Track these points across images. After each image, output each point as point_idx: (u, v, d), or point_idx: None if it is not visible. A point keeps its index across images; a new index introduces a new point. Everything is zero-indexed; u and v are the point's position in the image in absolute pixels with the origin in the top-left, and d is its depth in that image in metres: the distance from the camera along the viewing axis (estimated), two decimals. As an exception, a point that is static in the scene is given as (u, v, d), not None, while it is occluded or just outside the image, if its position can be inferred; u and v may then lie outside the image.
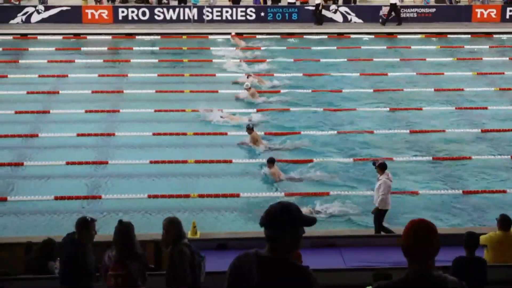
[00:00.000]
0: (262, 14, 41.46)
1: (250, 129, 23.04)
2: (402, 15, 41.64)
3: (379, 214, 17.07)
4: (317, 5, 41.09)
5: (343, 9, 41.99)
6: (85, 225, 9.94)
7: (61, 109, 26.84)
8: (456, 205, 19.80)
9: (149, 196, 19.65)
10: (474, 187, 20.87)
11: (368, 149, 23.60)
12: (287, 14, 41.46)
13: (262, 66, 32.85)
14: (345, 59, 34.54)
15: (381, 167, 17.24)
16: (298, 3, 42.27)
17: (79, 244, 9.86)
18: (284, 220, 5.37)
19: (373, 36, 39.40)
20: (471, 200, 20.16)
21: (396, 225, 17.42)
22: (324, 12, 41.52)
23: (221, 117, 25.59)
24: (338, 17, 41.76)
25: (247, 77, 29.47)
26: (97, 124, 25.38)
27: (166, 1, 42.80)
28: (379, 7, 42.18)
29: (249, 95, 27.98)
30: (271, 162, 20.66)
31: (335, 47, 37.14)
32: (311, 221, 5.50)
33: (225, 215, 18.95)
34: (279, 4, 42.74)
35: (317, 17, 41.10)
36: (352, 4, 43.17)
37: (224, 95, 28.75)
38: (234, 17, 41.28)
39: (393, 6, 41.14)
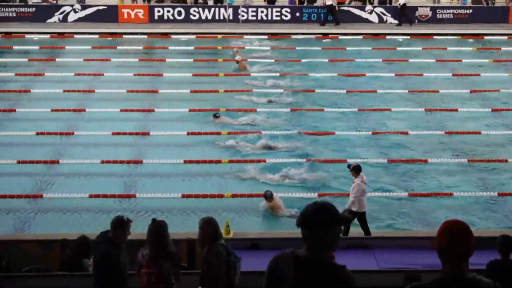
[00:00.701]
0: (297, 14, 41.44)
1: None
2: (439, 16, 41.50)
3: (360, 217, 17.00)
4: (330, 6, 41.07)
5: (379, 9, 41.84)
6: (121, 225, 10.00)
7: (96, 107, 27.03)
8: (491, 207, 19.63)
9: (183, 196, 19.71)
10: (510, 190, 20.66)
11: (402, 150, 23.46)
12: (322, 15, 41.36)
13: (298, 67, 32.83)
14: (380, 60, 34.43)
15: (356, 170, 17.29)
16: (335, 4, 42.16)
17: (113, 243, 9.92)
18: (320, 220, 5.37)
19: (408, 37, 39.22)
20: (507, 203, 19.97)
21: (430, 227, 17.33)
22: (359, 12, 41.45)
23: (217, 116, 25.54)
24: (373, 18, 41.62)
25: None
26: (132, 123, 25.51)
27: (202, 1, 42.90)
28: (415, 8, 41.97)
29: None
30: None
31: (370, 48, 37.01)
32: (347, 220, 5.51)
33: (258, 215, 18.94)
34: (315, 4, 42.65)
35: (333, 18, 41.16)
36: (388, 5, 42.97)
37: (258, 95, 28.75)
38: (269, 17, 41.31)
39: (403, 6, 40.98)
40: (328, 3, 41.13)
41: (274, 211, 18.82)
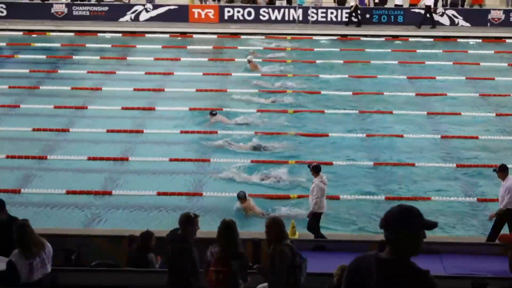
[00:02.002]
0: (367, 16, 41.21)
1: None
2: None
3: (315, 217, 16.83)
4: (352, 7, 40.79)
5: (451, 12, 41.35)
6: (189, 221, 10.11)
7: (166, 106, 27.31)
8: None
9: (249, 195, 19.75)
10: None
11: (471, 154, 23.15)
12: (392, 16, 41.08)
13: (369, 70, 32.68)
14: (451, 63, 34.03)
15: (315, 170, 17.07)
16: (405, 5, 41.80)
17: (184, 240, 10.03)
18: (403, 223, 5.35)
19: (480, 40, 38.66)
20: None
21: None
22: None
23: (213, 114, 25.54)
24: (445, 20, 41.15)
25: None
26: (200, 122, 25.70)
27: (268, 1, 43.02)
28: (487, 11, 41.36)
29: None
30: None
31: (441, 51, 36.61)
32: (432, 225, 5.46)
33: (324, 217, 18.88)
34: (385, 6, 42.36)
35: (355, 19, 40.86)
36: (460, 8, 42.42)
37: (328, 96, 28.73)
38: (339, 19, 41.19)
39: (427, 8, 40.36)
40: (352, 3, 40.94)
41: (246, 212, 18.74)
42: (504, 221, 16.44)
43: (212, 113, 25.66)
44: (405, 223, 5.35)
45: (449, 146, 23.93)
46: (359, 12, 40.84)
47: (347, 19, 40.95)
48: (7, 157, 22.17)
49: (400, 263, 5.36)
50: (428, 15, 40.44)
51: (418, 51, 36.51)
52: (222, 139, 23.63)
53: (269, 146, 23.40)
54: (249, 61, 31.57)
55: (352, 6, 40.87)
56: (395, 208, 5.45)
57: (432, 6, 40.57)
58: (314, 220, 16.87)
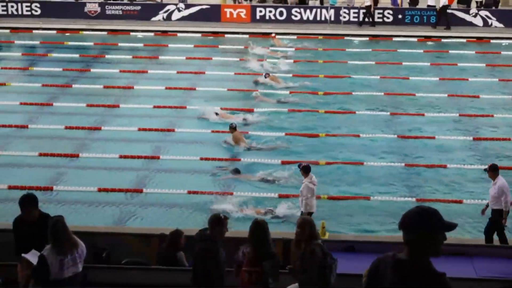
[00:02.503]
0: (400, 16, 41.04)
1: (232, 128, 22.94)
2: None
3: None
4: (368, 7, 40.63)
5: (484, 13, 41.03)
6: (218, 222, 10.11)
7: (197, 105, 27.38)
8: None
9: (280, 196, 19.77)
10: None
11: (504, 156, 22.95)
12: (425, 17, 40.86)
13: (400, 71, 32.54)
14: (484, 64, 33.78)
15: (305, 170, 17.11)
16: (437, 6, 41.54)
17: (212, 240, 10.05)
18: (421, 224, 5.35)
19: (513, 41, 38.39)
20: None
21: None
22: (463, 15, 40.75)
23: (216, 114, 25.66)
24: (478, 21, 40.83)
25: (265, 77, 30.01)
26: (232, 121, 25.68)
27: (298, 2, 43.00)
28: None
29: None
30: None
31: (474, 52, 36.36)
32: (451, 226, 5.44)
33: (355, 218, 18.85)
34: (417, 6, 42.14)
35: (369, 19, 40.75)
36: (494, 8, 42.08)
37: (359, 96, 28.65)
38: (371, 19, 40.99)
39: (443, 8, 40.13)
40: (367, 4, 40.77)
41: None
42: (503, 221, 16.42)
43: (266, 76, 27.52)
44: (423, 224, 5.35)
45: (481, 148, 23.75)
46: (372, 12, 40.78)
47: (361, 20, 41.00)
48: (40, 155, 22.36)
49: (416, 264, 5.36)
50: (443, 15, 40.33)
51: (450, 52, 36.30)
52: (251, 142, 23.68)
53: (298, 146, 23.37)
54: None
55: (366, 6, 40.80)
56: (413, 209, 5.47)
57: (443, 6, 40.33)
58: None
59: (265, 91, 29.00)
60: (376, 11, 41.08)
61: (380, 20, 41.07)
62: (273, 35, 31.02)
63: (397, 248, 5.54)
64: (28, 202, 10.65)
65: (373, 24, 40.80)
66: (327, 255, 9.46)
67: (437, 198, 19.74)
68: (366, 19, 40.75)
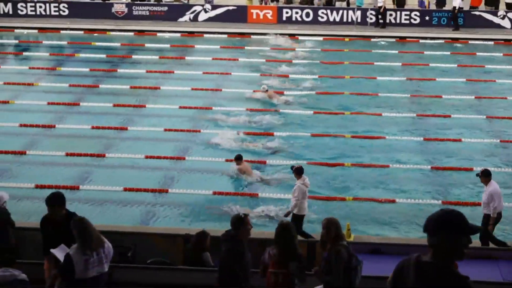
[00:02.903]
0: (427, 18, 40.84)
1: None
2: None
3: (296, 220, 16.60)
4: (380, 8, 40.54)
5: (512, 15, 40.77)
6: (240, 221, 10.16)
7: (223, 106, 27.42)
8: None
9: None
10: None
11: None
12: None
13: (427, 72, 32.41)
14: (511, 67, 33.57)
15: (298, 172, 17.01)
16: (465, 8, 41.31)
17: (238, 240, 10.07)
18: (445, 227, 5.34)
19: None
20: None
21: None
22: (491, 17, 40.47)
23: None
24: (506, 23, 40.52)
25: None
26: (257, 123, 25.75)
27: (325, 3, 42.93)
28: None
29: (267, 96, 28.04)
30: (238, 159, 20.64)
31: (501, 54, 36.13)
32: (475, 229, 5.42)
33: (380, 220, 18.80)
34: (445, 8, 41.93)
35: (381, 20, 40.68)
36: (521, 10, 41.80)
37: (385, 98, 28.56)
38: (398, 21, 40.90)
39: (456, 10, 40.14)
40: (379, 5, 40.72)
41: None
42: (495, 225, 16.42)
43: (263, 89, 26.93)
44: (447, 227, 5.34)
45: (509, 151, 23.59)
46: (386, 13, 40.78)
47: (374, 21, 40.96)
48: (67, 154, 22.52)
49: (439, 267, 5.34)
50: (453, 17, 40.33)
51: (478, 54, 36.09)
52: (277, 140, 23.66)
53: (324, 148, 23.34)
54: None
55: (380, 7, 40.72)
56: (438, 212, 5.46)
57: (457, 8, 40.16)
58: (295, 222, 16.78)
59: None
60: (403, 13, 40.92)
61: (407, 21, 40.89)
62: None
63: (422, 251, 5.53)
64: (56, 201, 10.71)
65: (384, 25, 40.75)
66: (353, 256, 9.42)
67: (463, 201, 19.64)
68: (381, 20, 40.73)
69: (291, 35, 39.00)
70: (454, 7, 40.09)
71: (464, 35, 39.31)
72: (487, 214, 16.31)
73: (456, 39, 38.80)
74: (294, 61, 34.09)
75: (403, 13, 41.03)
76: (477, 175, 16.74)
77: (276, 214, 18.45)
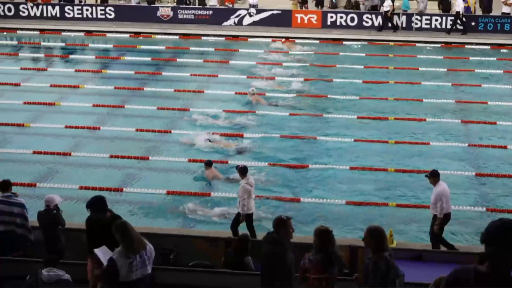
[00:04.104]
0: (473, 23, 40.45)
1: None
2: None
3: (243, 218, 16.75)
4: (387, 12, 40.48)
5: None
6: (282, 224, 10.17)
7: (266, 110, 27.45)
8: None
9: (347, 203, 19.69)
10: None
11: None
12: (499, 25, 40.22)
13: (473, 78, 32.12)
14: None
15: (242, 172, 16.99)
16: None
17: (279, 243, 10.09)
18: (505, 237, 5.27)
19: None
20: None
21: None
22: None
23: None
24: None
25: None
26: (301, 127, 25.74)
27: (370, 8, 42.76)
28: None
29: (253, 100, 28.05)
30: (209, 164, 20.97)
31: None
32: None
33: (423, 226, 18.64)
34: (491, 14, 41.52)
35: (390, 23, 40.65)
36: None
37: (430, 104, 28.37)
38: (443, 26, 40.57)
39: (457, 15, 39.74)
40: (386, 9, 40.54)
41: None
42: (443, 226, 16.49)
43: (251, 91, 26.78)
44: (505, 238, 5.25)
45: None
46: (394, 15, 40.81)
47: (381, 23, 40.92)
48: (111, 156, 22.71)
49: (499, 277, 5.27)
50: (458, 21, 40.00)
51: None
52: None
53: (368, 153, 23.23)
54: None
55: (388, 11, 40.66)
56: (496, 222, 5.36)
57: (461, 13, 39.89)
58: (241, 221, 16.98)
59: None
60: (449, 18, 40.60)
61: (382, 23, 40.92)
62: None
63: (466, 258, 5.50)
64: (96, 207, 10.82)
65: (395, 29, 40.67)
66: (391, 269, 9.25)
67: (509, 208, 19.43)
68: (390, 24, 40.73)
69: (335, 40, 38.93)
70: (458, 12, 39.94)
71: (511, 41, 38.87)
72: (435, 215, 16.41)
73: (502, 45, 38.36)
74: (338, 66, 34.02)
75: (449, 18, 40.68)
76: (426, 175, 16.81)
77: (227, 213, 18.64)
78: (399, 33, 40.19)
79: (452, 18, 40.18)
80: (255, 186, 17.45)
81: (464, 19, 40.01)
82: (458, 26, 40.02)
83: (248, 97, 28.34)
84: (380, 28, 40.65)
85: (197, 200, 19.69)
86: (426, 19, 40.86)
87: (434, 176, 16.51)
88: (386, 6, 40.58)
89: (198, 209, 19.08)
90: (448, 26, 40.35)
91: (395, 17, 40.76)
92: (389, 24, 40.63)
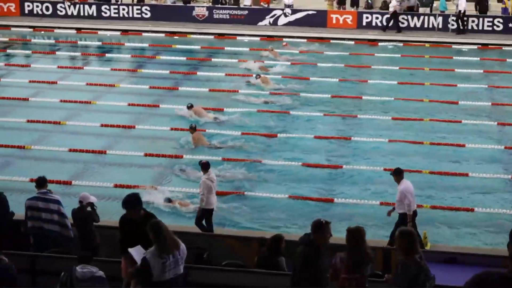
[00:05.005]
0: (510, 25, 40.06)
1: (192, 129, 23.28)
2: None
3: (203, 213, 16.96)
4: (394, 12, 40.32)
5: None
6: (320, 227, 10.15)
7: (301, 111, 27.42)
8: None
9: (381, 203, 19.61)
10: None
11: None
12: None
13: (509, 80, 31.85)
14: None
15: (204, 167, 17.18)
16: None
17: (314, 245, 10.08)
18: None
19: None
20: None
21: None
22: None
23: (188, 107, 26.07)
24: None
25: (256, 78, 29.97)
26: (335, 127, 25.70)
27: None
28: None
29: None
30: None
31: None
32: None
33: (458, 229, 18.53)
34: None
35: (395, 24, 40.57)
36: None
37: (466, 106, 28.17)
38: (480, 27, 40.26)
39: (461, 14, 39.61)
40: (391, 9, 40.39)
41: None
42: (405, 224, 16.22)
43: (188, 106, 26.32)
44: None
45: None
46: (398, 17, 40.80)
47: (385, 24, 40.84)
48: (145, 155, 22.83)
49: None
50: (459, 21, 39.89)
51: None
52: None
53: (403, 156, 23.11)
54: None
55: (391, 12, 40.62)
56: None
57: (462, 12, 39.77)
58: (202, 215, 17.11)
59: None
60: (486, 19, 40.28)
61: (490, 28, 40.24)
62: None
63: (499, 261, 5.45)
64: (131, 204, 10.88)
65: (399, 30, 40.57)
66: (422, 271, 9.15)
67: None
68: (395, 24, 40.65)
69: (371, 40, 38.81)
70: (460, 11, 39.77)
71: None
72: (401, 213, 16.33)
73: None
74: (373, 67, 33.92)
75: (486, 19, 40.36)
76: (391, 174, 16.81)
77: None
78: (435, 34, 39.92)
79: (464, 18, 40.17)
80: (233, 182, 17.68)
81: (465, 18, 39.93)
82: (451, 25, 40.18)
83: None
84: (385, 29, 40.75)
85: (235, 203, 19.71)
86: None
87: (397, 174, 16.57)
88: (391, 7, 40.70)
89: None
90: (485, 28, 40.03)
91: (432, 18, 40.51)
92: (393, 23, 40.68)
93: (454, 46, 38.29)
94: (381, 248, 13.63)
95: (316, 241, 10.06)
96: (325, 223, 10.20)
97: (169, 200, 19.36)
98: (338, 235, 11.57)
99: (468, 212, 19.27)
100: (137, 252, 10.12)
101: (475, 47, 38.23)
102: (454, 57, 35.96)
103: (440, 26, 40.55)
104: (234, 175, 21.42)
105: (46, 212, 13.74)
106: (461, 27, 39.94)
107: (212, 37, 40.25)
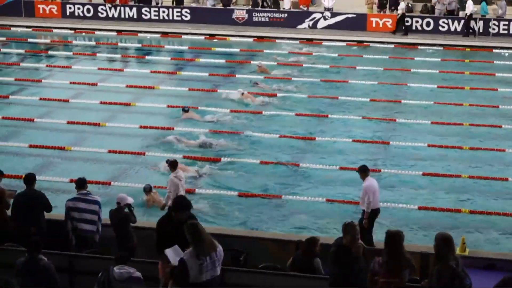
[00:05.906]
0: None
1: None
2: None
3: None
4: (402, 15, 40.16)
5: None
6: (345, 228, 10.19)
7: (338, 114, 27.35)
8: None
9: (419, 208, 19.49)
10: None
11: None
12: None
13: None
14: None
15: (172, 165, 17.39)
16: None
17: (343, 246, 10.08)
18: None
19: None
20: None
21: None
22: None
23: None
24: None
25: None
26: (373, 131, 25.59)
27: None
28: None
29: (243, 98, 28.74)
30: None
31: None
32: None
33: (498, 234, 18.35)
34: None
35: (404, 27, 40.48)
36: None
37: (506, 111, 27.90)
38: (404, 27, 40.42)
39: (469, 17, 39.50)
40: (399, 12, 40.33)
41: (148, 204, 19.07)
42: (372, 221, 16.49)
43: (185, 109, 26.45)
44: None
45: None
46: (406, 20, 40.65)
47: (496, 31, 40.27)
48: (184, 157, 22.88)
49: None
50: (467, 24, 39.74)
51: None
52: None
53: (442, 161, 22.95)
54: (259, 66, 31.95)
55: (399, 14, 40.47)
56: None
57: (469, 15, 39.52)
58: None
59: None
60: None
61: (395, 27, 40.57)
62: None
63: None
64: (184, 205, 10.86)
65: (406, 32, 40.38)
66: (456, 277, 9.08)
67: None
68: (402, 27, 40.58)
69: (410, 44, 38.60)
70: (466, 14, 39.54)
71: None
72: (363, 209, 16.52)
73: None
74: (412, 70, 33.74)
75: (528, 23, 39.98)
76: (357, 171, 16.97)
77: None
78: (476, 38, 39.59)
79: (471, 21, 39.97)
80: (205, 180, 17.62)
81: (475, 22, 39.57)
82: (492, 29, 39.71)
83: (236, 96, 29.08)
84: (394, 31, 40.70)
85: (272, 207, 19.72)
86: (503, 24, 40.16)
87: (362, 172, 16.72)
88: (399, 10, 40.76)
89: None
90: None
91: (472, 22, 40.18)
92: (403, 27, 40.71)
93: (495, 51, 37.93)
94: (419, 254, 13.53)
95: (346, 242, 10.08)
96: (351, 224, 10.22)
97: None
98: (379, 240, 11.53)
99: (508, 217, 19.08)
100: (173, 253, 10.16)
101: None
102: (495, 62, 35.62)
103: (481, 30, 40.17)
104: (270, 178, 21.43)
105: (87, 213, 13.87)
106: (470, 30, 39.79)
107: (251, 40, 40.30)
